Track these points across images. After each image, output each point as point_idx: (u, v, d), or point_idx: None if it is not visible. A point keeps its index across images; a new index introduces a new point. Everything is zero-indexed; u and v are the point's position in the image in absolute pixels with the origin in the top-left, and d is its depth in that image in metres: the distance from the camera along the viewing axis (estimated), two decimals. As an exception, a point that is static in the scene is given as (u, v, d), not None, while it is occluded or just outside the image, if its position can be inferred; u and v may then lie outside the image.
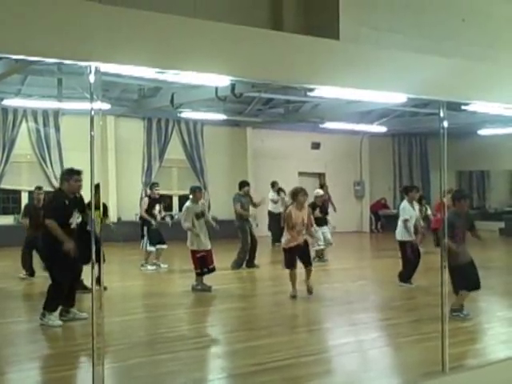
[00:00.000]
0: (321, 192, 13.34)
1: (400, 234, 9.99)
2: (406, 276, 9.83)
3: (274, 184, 16.71)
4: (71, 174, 7.49)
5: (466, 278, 7.25)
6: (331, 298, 9.30)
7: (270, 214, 16.34)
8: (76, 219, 7.44)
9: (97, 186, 4.89)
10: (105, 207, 10.15)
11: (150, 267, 11.91)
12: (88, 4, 3.53)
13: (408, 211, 9.99)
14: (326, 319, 8.31)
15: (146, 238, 11.91)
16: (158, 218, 12.17)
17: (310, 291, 9.06)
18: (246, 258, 12.03)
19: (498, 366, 5.39)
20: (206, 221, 9.92)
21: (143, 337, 7.11)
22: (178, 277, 10.84)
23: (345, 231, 18.08)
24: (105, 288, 8.52)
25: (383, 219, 22.49)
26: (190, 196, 9.94)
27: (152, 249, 11.94)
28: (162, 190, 12.93)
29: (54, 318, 7.14)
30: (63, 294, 7.24)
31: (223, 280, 10.43)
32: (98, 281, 4.24)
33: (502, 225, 19.54)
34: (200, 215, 9.73)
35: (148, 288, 10.61)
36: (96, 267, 4.00)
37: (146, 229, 11.98)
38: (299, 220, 9.00)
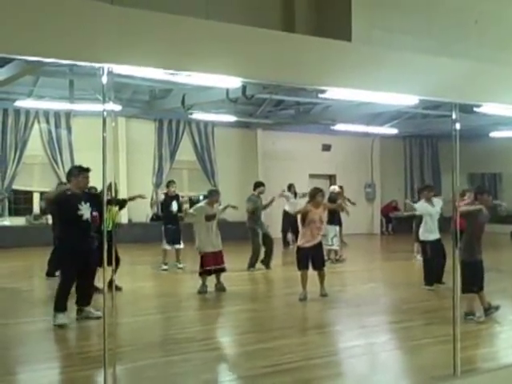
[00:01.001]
0: (337, 188, 13.56)
1: (421, 233, 9.91)
2: (428, 278, 9.65)
3: (290, 187, 16.76)
4: (81, 171, 7.55)
5: (476, 276, 7.24)
6: (342, 300, 9.28)
7: (286, 214, 16.33)
8: (87, 211, 7.46)
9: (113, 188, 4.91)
10: (123, 202, 10.19)
11: (164, 266, 11.84)
12: (100, 5, 3.54)
13: (421, 208, 9.89)
14: (337, 321, 8.28)
15: (162, 236, 11.92)
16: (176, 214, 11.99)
17: (324, 294, 9.12)
18: (259, 259, 12.00)
19: (510, 370, 5.35)
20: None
21: (154, 338, 7.11)
22: (191, 278, 10.84)
23: (356, 233, 18.02)
24: (119, 288, 8.66)
25: (394, 221, 22.44)
26: (206, 198, 10.01)
27: (166, 247, 11.91)
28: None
29: (61, 317, 7.15)
30: (68, 293, 7.28)
31: (235, 281, 10.43)
32: (111, 282, 4.25)
33: (512, 228, 19.40)
34: (211, 218, 9.73)
35: (159, 289, 10.63)
36: (109, 268, 4.00)
37: (162, 227, 12.01)
38: (317, 217, 9.18)
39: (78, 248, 7.22)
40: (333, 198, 12.60)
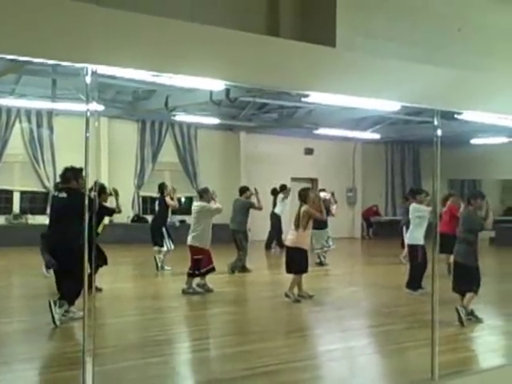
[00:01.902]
0: (328, 195, 13.66)
1: (414, 237, 9.81)
2: (414, 283, 9.64)
3: (283, 187, 16.83)
4: (81, 172, 7.34)
5: (478, 279, 7.45)
6: (323, 303, 9.31)
7: (275, 216, 16.37)
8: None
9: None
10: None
11: (167, 267, 11.98)
12: (86, 6, 3.53)
13: (420, 210, 9.77)
14: (317, 325, 8.31)
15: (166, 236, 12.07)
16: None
17: (309, 296, 9.20)
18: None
19: (487, 374, 5.42)
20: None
21: (134, 339, 7.09)
22: (173, 279, 10.84)
23: (337, 237, 18.10)
24: (100, 289, 8.64)
25: (375, 226, 22.60)
26: (200, 197, 10.17)
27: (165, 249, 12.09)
28: (154, 193, 12.97)
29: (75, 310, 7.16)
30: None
31: (216, 284, 10.43)
32: (91, 283, 4.24)
33: (492, 234, 19.60)
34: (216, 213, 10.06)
35: (141, 290, 10.59)
36: (89, 269, 3.98)
37: (163, 228, 12.18)
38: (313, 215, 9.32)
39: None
40: (326, 206, 12.67)
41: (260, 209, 12.46)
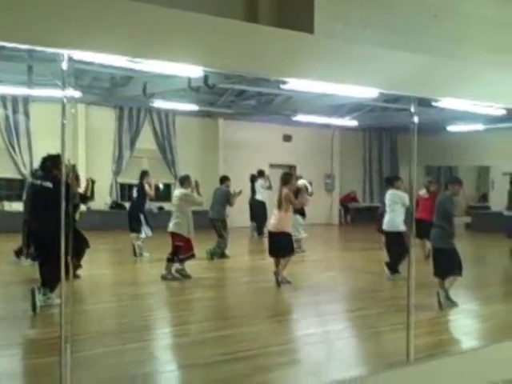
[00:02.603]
0: (306, 184, 13.63)
1: (399, 222, 9.83)
2: (393, 267, 9.74)
3: (262, 173, 16.86)
4: (59, 158, 7.32)
5: (458, 261, 7.59)
6: (301, 288, 9.38)
7: (260, 203, 16.39)
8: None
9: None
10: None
11: (145, 254, 11.99)
12: (62, -10, 3.50)
13: (399, 197, 9.81)
14: (295, 310, 8.40)
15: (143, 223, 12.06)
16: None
17: (287, 281, 9.26)
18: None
19: (461, 356, 5.52)
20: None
21: (112, 326, 7.10)
22: (151, 266, 10.85)
23: (315, 223, 18.21)
24: (77, 276, 8.63)
25: (352, 212, 22.76)
26: (181, 184, 10.16)
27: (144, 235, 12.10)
28: (132, 180, 12.92)
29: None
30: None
31: (195, 270, 10.46)
32: (68, 270, 4.22)
33: (468, 220, 19.84)
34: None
35: (120, 277, 10.58)
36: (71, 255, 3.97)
37: (141, 215, 12.14)
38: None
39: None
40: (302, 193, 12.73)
41: (232, 205, 12.51)
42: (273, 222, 9.47)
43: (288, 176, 9.62)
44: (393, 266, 9.76)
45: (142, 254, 11.93)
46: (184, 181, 10.19)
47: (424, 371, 4.90)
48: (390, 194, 10.13)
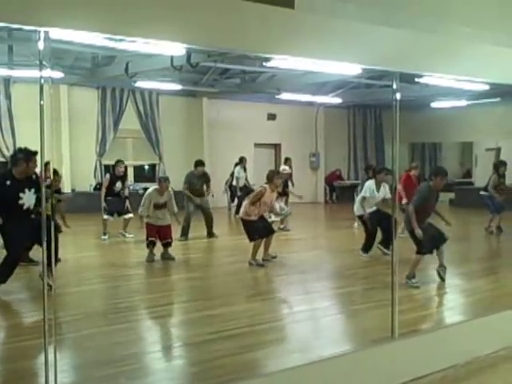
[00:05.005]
0: (287, 169, 13.64)
1: (357, 208, 10.20)
2: (367, 247, 9.98)
3: (242, 159, 16.84)
4: (31, 156, 7.03)
5: (426, 241, 7.54)
6: (286, 267, 9.40)
7: (243, 188, 16.38)
8: (30, 200, 7.21)
9: (47, 163, 4.77)
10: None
11: (103, 237, 11.99)
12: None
13: (370, 191, 9.93)
14: (281, 288, 8.42)
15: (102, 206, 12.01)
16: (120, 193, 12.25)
17: (272, 257, 9.37)
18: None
19: (445, 331, 5.56)
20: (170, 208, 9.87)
21: (97, 307, 7.09)
22: (136, 247, 10.80)
23: (300, 202, 18.25)
24: (58, 260, 8.56)
25: (338, 190, 22.81)
26: (157, 186, 9.94)
27: (106, 217, 12.02)
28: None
29: None
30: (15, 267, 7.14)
31: (179, 250, 10.45)
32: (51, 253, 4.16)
33: (452, 196, 19.98)
34: (160, 206, 9.73)
35: (104, 258, 10.56)
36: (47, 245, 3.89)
37: (102, 198, 12.10)
38: (268, 200, 9.37)
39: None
40: (283, 178, 12.71)
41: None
42: (241, 209, 9.75)
43: (272, 173, 9.61)
44: (366, 246, 10.00)
45: (125, 234, 12.03)
46: (158, 183, 10.03)
47: (409, 347, 4.93)
48: (368, 185, 10.11)
